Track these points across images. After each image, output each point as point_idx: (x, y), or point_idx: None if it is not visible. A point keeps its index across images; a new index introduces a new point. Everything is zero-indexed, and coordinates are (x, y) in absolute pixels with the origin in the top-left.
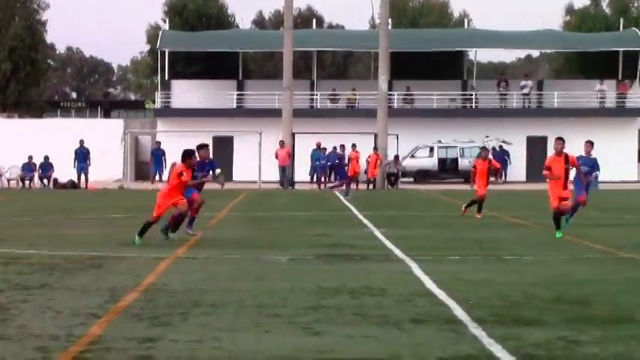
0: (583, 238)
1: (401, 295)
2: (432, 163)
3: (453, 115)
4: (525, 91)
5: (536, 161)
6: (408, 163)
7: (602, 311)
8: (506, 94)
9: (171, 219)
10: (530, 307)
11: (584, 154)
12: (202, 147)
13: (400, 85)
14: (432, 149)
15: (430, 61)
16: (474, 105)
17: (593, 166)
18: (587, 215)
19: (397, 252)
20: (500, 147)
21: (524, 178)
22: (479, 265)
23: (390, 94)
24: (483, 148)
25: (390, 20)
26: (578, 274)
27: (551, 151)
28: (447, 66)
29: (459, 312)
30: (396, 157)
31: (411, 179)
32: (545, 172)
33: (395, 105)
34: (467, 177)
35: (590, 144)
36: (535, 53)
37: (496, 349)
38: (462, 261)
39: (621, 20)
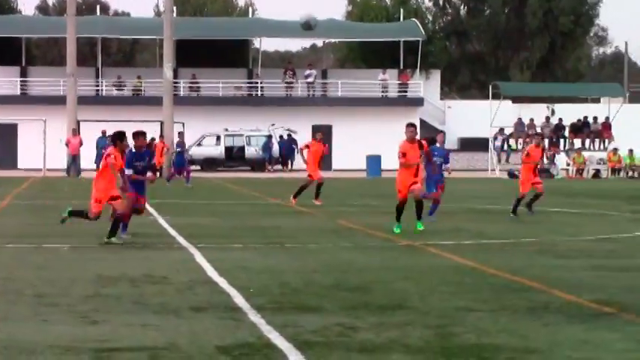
0: (365, 226)
1: (182, 283)
2: (218, 151)
3: (239, 104)
4: (310, 80)
5: None
6: (195, 152)
7: (380, 298)
8: (292, 83)
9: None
10: (310, 294)
11: (437, 145)
12: (140, 134)
13: (186, 73)
14: (218, 137)
15: (216, 50)
16: (259, 93)
17: (444, 157)
18: (369, 203)
19: (180, 240)
20: (289, 135)
21: None
22: (262, 253)
23: (176, 82)
24: (317, 131)
25: (174, 8)
26: (359, 261)
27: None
28: (233, 54)
29: (240, 300)
30: None
31: (198, 167)
32: (401, 160)
33: (181, 93)
34: (253, 165)
35: (442, 133)
36: (319, 42)
37: (274, 336)
38: (245, 249)
39: (401, 11)
